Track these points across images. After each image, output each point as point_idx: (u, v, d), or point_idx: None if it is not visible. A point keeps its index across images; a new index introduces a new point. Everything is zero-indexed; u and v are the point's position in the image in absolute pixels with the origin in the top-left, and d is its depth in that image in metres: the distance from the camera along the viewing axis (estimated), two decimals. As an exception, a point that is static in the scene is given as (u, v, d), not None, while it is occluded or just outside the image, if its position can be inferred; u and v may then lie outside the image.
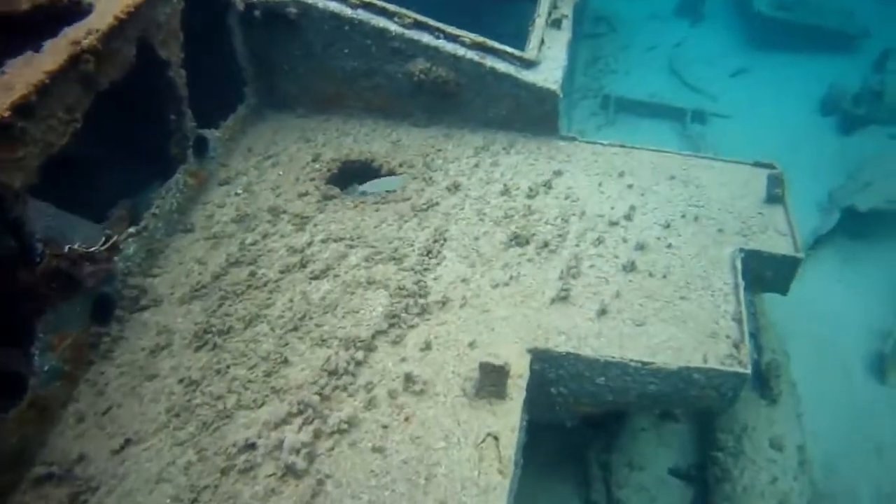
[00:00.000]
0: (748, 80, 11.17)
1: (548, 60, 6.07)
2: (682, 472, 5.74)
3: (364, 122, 6.33)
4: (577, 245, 5.17)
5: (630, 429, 5.91)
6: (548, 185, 5.65)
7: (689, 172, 5.89)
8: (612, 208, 5.48)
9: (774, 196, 5.63)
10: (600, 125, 10.09)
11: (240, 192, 5.58)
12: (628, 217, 5.41)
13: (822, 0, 11.91)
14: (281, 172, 5.77)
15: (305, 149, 6.05)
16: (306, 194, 5.57)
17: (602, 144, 6.10)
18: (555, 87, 5.84)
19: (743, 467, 5.34)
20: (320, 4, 5.85)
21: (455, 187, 5.64)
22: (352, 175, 5.94)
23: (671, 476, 5.73)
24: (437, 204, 5.51)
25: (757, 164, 6.00)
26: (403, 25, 5.87)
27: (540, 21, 6.39)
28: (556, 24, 6.59)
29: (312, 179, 5.72)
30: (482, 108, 6.08)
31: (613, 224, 5.35)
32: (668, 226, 5.35)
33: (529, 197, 5.56)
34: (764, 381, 6.03)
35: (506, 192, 5.60)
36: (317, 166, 5.87)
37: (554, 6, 6.87)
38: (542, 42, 6.23)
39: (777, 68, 11.33)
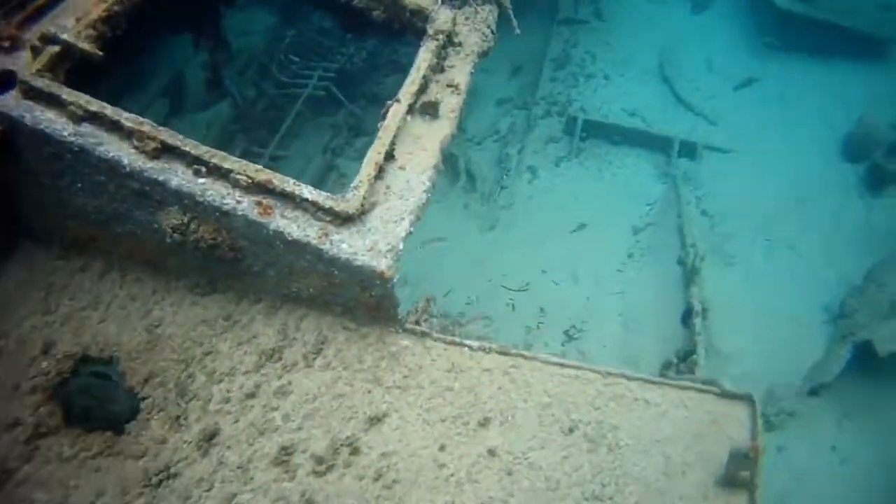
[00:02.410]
0: (756, 96, 8.08)
1: (390, 202, 3.36)
2: None
3: (125, 282, 3.78)
4: None
5: None
6: (354, 448, 3.10)
7: (604, 414, 3.29)
8: (451, 507, 2.92)
9: (735, 480, 2.99)
10: (561, 157, 7.21)
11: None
12: (475, 531, 2.84)
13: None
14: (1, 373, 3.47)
15: (41, 326, 3.62)
16: (16, 425, 3.28)
17: (471, 349, 3.44)
18: (385, 264, 3.16)
19: None
20: (28, 118, 3.30)
21: (209, 440, 3.21)
22: (87, 383, 3.51)
23: None
24: (177, 475, 3.14)
25: (723, 396, 3.31)
26: (145, 153, 3.19)
27: (396, 113, 3.58)
28: (428, 110, 3.77)
29: (33, 392, 3.39)
30: (280, 281, 3.42)
31: (444, 553, 2.80)
32: (539, 554, 2.79)
33: (317, 473, 3.04)
34: None
35: (283, 459, 3.13)
36: (44, 365, 3.48)
37: (436, 70, 4.01)
38: (390, 159, 3.49)
39: (794, 81, 8.20)
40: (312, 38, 7.74)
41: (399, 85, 3.91)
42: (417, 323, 3.58)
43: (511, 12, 4.74)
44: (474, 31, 4.45)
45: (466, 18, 4.49)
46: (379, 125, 3.64)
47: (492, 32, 4.55)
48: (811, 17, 8.12)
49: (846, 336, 5.46)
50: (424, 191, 3.46)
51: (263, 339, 3.48)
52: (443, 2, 4.43)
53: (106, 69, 3.84)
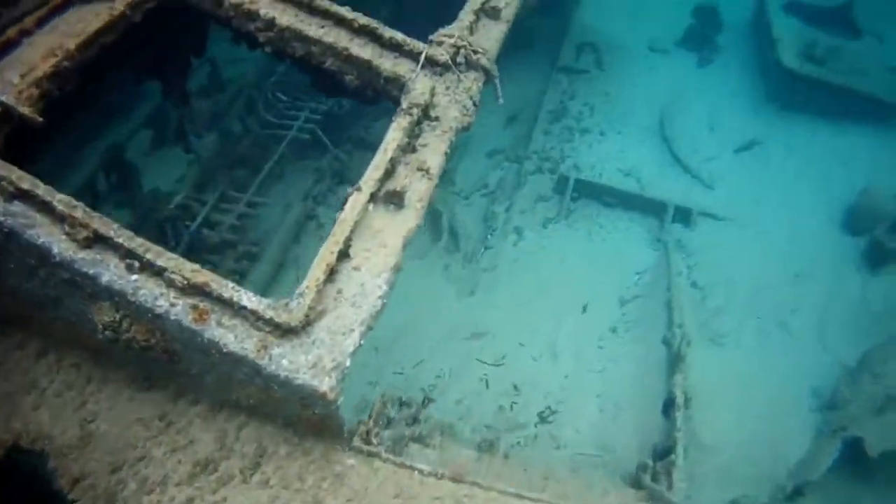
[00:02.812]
0: (758, 160, 7.76)
1: (340, 309, 3.04)
2: None
3: (62, 367, 3.49)
4: None
5: None
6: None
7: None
8: None
9: None
10: (549, 218, 6.90)
11: None
12: None
13: (868, 50, 8.20)
14: None
15: None
16: None
17: (421, 473, 3.12)
18: (328, 384, 2.86)
19: None
20: (-42, 189, 3.01)
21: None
22: (18, 480, 3.32)
23: None
24: None
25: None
26: (76, 241, 2.88)
27: (355, 204, 3.29)
28: (393, 199, 3.48)
29: None
30: (218, 388, 3.12)
31: None
32: None
33: None
34: None
35: None
36: None
37: (406, 150, 3.72)
38: (344, 258, 3.18)
39: (797, 144, 7.89)
40: (302, 77, 7.47)
41: (387, 130, 3.65)
42: (368, 434, 3.27)
43: (498, 82, 4.44)
44: (454, 103, 4.12)
45: (447, 88, 4.16)
46: (336, 216, 3.34)
47: (474, 105, 4.23)
48: (818, 78, 7.82)
49: (836, 431, 5.13)
50: (380, 297, 3.15)
51: (200, 447, 3.18)
52: (422, 67, 4.13)
53: (53, 131, 3.58)
